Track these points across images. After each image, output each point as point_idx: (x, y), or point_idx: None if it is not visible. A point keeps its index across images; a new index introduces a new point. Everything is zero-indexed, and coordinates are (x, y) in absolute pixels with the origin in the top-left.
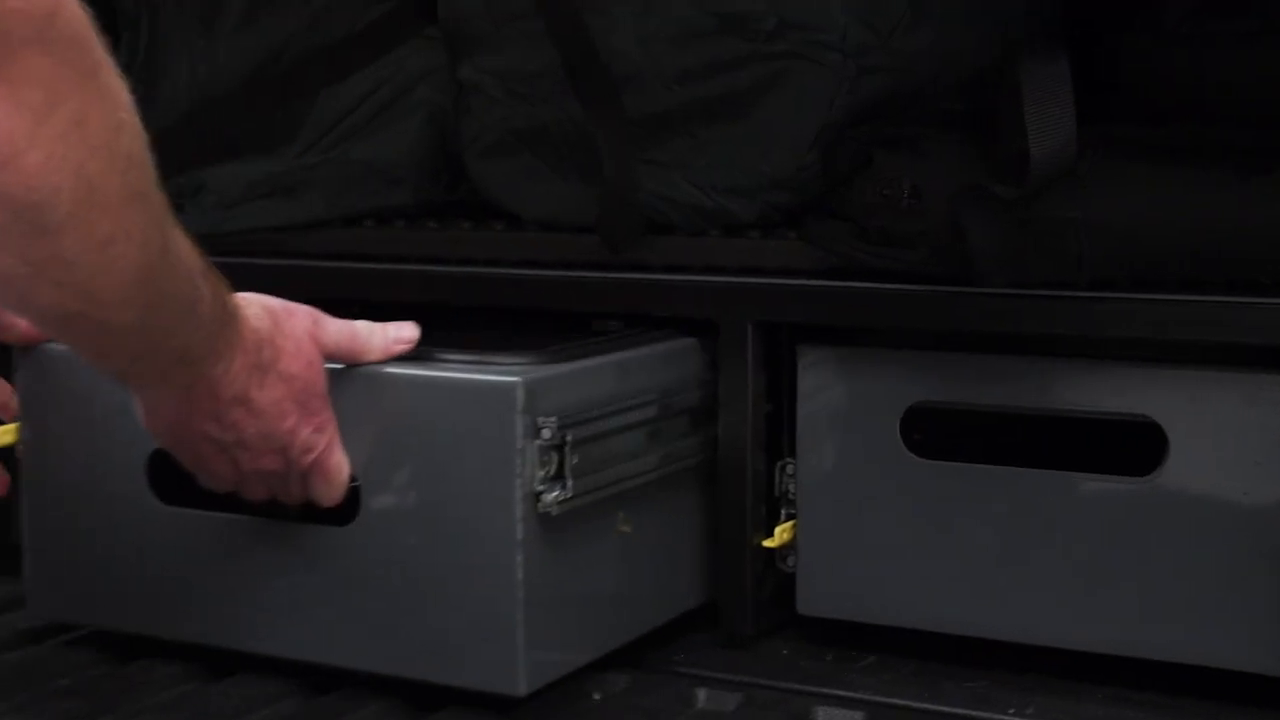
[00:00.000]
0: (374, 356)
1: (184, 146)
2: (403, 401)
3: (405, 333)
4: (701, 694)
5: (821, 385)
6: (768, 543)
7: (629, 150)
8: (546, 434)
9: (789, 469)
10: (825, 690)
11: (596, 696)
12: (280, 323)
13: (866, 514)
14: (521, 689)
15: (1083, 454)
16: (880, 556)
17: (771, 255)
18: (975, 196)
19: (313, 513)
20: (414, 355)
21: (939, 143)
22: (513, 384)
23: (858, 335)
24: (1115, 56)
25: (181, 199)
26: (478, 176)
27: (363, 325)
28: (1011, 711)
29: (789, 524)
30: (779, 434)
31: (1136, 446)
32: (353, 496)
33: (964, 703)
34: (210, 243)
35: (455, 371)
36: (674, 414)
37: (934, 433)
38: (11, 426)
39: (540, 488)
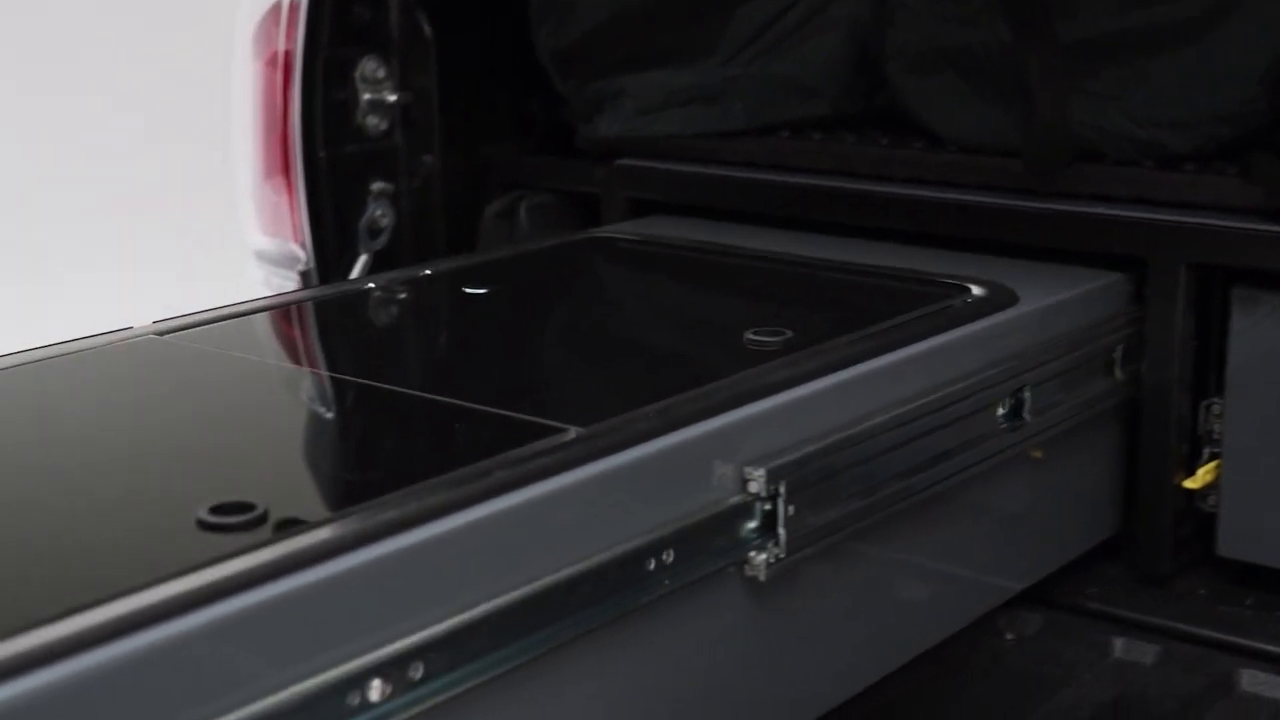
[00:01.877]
0: None
1: (604, 53)
2: None
3: None
4: (1118, 643)
5: (1257, 328)
6: (1189, 483)
7: (1061, 78)
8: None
9: (1214, 409)
10: (1249, 643)
11: (1010, 637)
12: None
13: None
14: None
15: None
16: None
17: (1207, 190)
18: None
19: None
20: None
21: None
22: None
23: None
24: None
25: (601, 103)
26: (899, 91)
27: None
28: None
29: (1212, 464)
30: (1204, 373)
31: None
32: None
33: None
34: (628, 146)
35: None
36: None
37: None
38: None
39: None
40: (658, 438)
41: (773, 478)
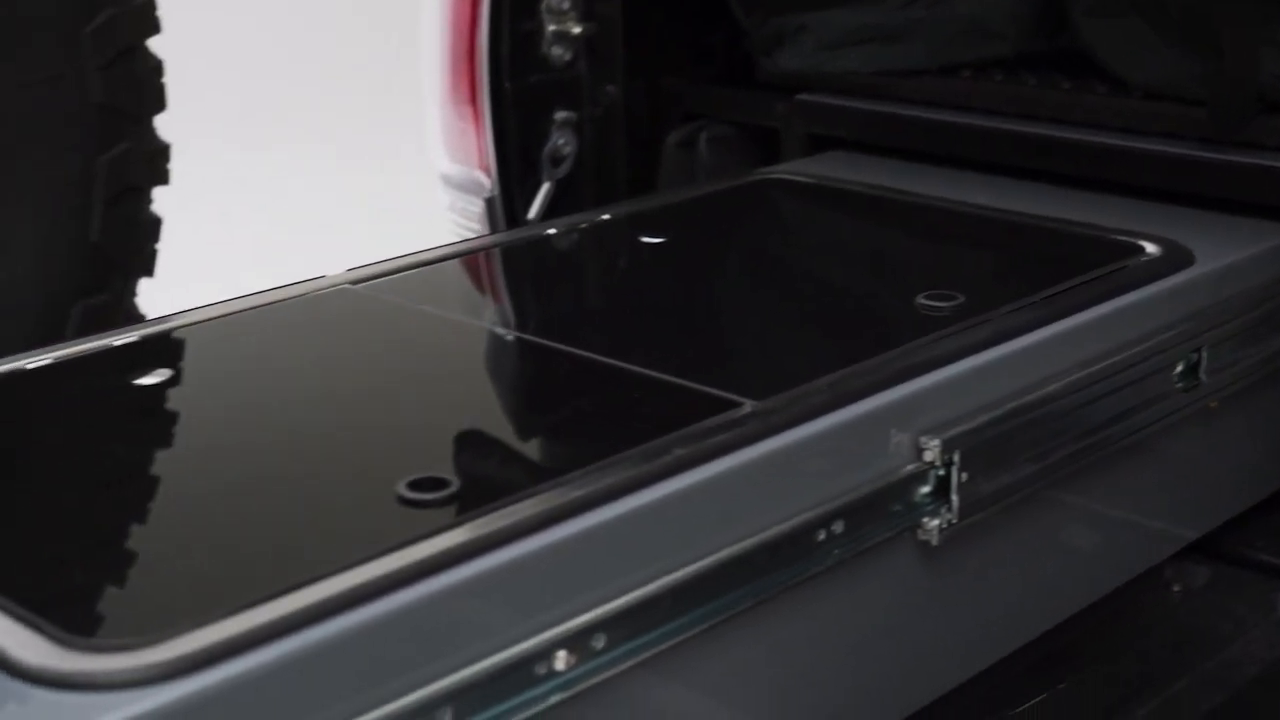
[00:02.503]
0: None
1: None
2: None
3: None
4: None
5: None
6: None
7: (1251, 28)
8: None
9: None
10: None
11: (1176, 589)
12: None
13: None
14: None
15: None
16: None
17: None
18: None
19: None
20: None
21: None
22: None
23: None
24: None
25: (781, 37)
26: (1082, 34)
27: None
28: None
29: None
30: None
31: None
32: None
33: None
34: (808, 80)
35: None
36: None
37: None
38: None
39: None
40: (832, 412)
41: (947, 447)
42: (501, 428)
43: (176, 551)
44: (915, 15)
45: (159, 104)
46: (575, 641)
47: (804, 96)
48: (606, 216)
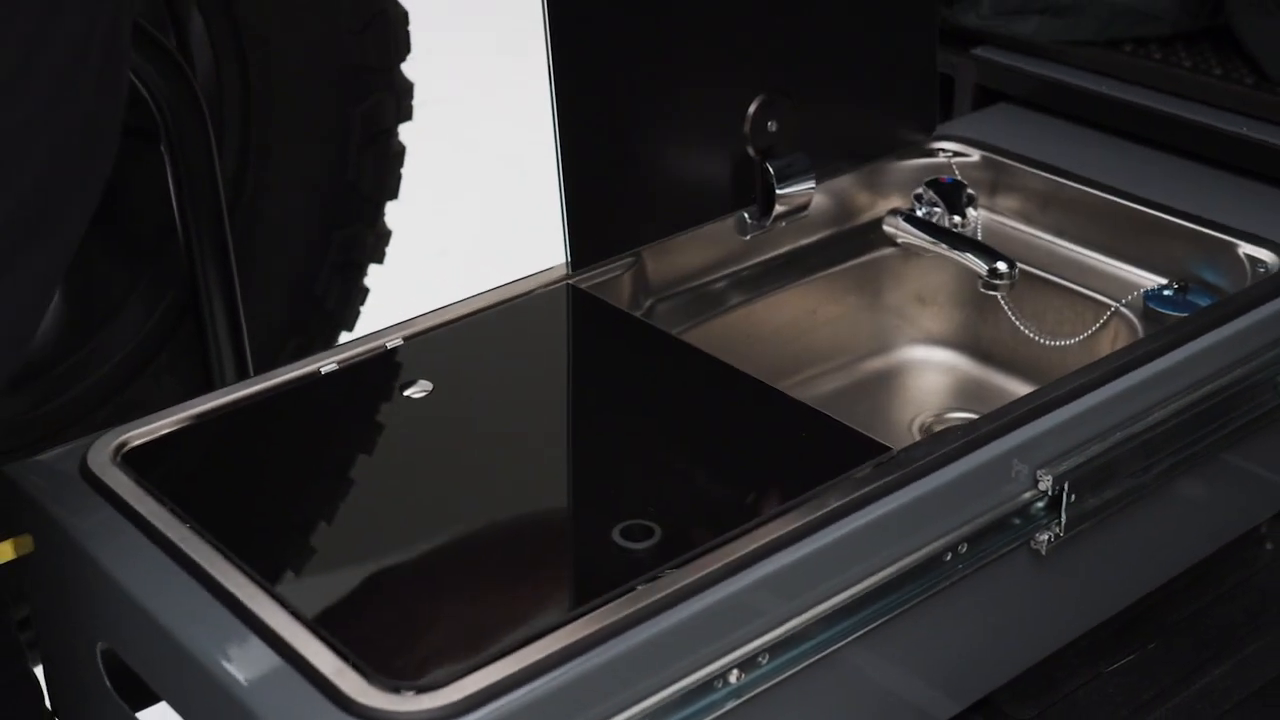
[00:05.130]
0: None
1: None
2: None
3: None
4: None
5: None
6: None
7: None
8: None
9: None
10: None
11: (1269, 546)
12: None
13: None
14: None
15: None
16: None
17: None
18: None
19: None
20: None
21: None
22: None
23: None
24: None
25: None
26: (1236, 24)
27: None
28: None
29: None
30: None
31: None
32: None
33: None
34: (980, 37)
35: None
36: None
37: None
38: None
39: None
40: (966, 455)
41: (1059, 479)
42: (694, 465)
43: (441, 592)
44: None
45: (405, 50)
46: (745, 662)
47: (978, 51)
48: None
